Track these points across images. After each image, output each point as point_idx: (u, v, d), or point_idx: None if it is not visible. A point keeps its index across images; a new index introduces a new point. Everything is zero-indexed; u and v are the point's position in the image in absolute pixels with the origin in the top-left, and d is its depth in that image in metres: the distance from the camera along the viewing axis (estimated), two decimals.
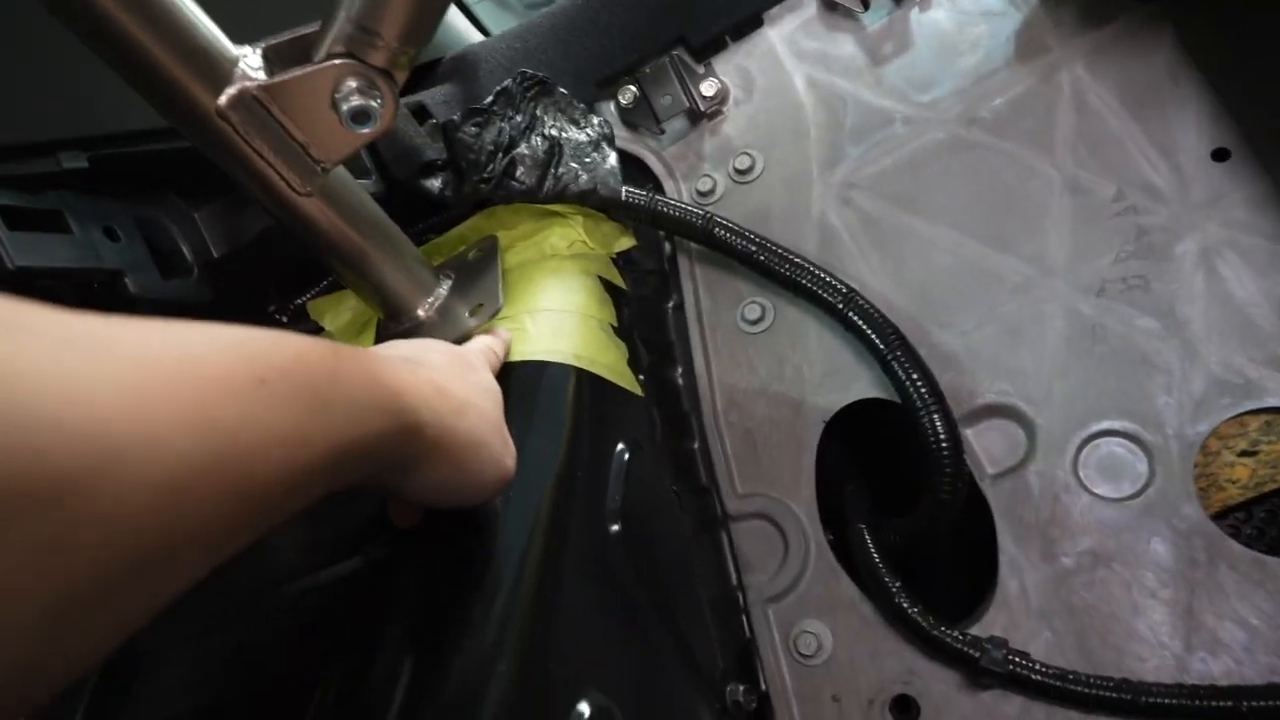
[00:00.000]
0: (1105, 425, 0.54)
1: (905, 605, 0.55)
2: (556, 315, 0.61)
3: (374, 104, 0.47)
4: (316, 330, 0.70)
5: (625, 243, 0.69)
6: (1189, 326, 0.53)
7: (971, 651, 0.53)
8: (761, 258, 0.62)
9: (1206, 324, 0.53)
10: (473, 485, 0.41)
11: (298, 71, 0.46)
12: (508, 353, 0.56)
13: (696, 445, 0.65)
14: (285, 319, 0.70)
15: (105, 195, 0.54)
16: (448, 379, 0.41)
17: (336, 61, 0.46)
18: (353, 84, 0.47)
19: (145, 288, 0.54)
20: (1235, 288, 0.53)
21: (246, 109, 0.46)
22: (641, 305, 0.69)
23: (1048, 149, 0.60)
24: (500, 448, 0.43)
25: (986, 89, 0.63)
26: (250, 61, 0.47)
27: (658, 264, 0.71)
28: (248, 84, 0.46)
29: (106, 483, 0.18)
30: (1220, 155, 0.55)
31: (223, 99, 0.46)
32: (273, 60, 0.48)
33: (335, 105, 0.47)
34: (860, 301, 0.59)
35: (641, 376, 0.64)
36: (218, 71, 0.46)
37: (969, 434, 0.58)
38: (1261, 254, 0.52)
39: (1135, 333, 0.54)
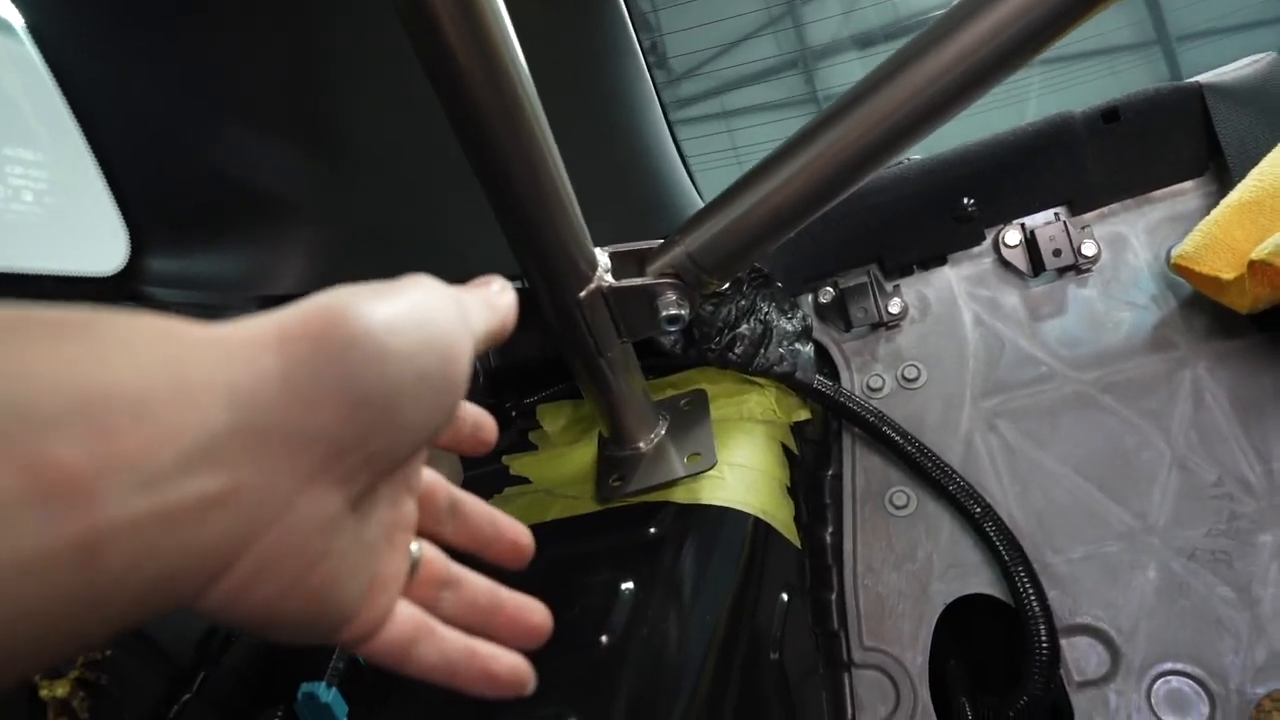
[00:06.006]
0: (1179, 666, 0.68)
1: None
2: (749, 471, 0.76)
3: (684, 313, 0.63)
4: (536, 426, 0.85)
5: (802, 415, 0.84)
6: (1260, 604, 0.67)
7: None
8: (918, 459, 0.77)
9: (1275, 607, 0.67)
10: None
11: (639, 281, 0.63)
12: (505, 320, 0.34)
13: (834, 596, 0.79)
14: (515, 413, 0.86)
15: None
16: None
17: (667, 280, 0.63)
18: (673, 297, 0.63)
19: None
20: None
21: (593, 299, 0.63)
22: (804, 469, 0.85)
23: (1165, 428, 0.75)
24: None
25: (1121, 365, 0.78)
26: (603, 262, 0.64)
27: (821, 436, 0.86)
28: (602, 284, 0.62)
29: None
30: None
31: (583, 294, 0.62)
32: (617, 265, 0.64)
33: (655, 309, 0.63)
34: (996, 517, 0.74)
35: (800, 531, 0.79)
36: (581, 263, 0.62)
37: (1064, 644, 0.71)
38: None
39: (1215, 598, 0.68)
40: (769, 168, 0.59)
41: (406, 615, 0.31)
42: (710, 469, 0.73)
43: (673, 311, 0.63)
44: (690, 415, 0.79)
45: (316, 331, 0.24)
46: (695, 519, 0.73)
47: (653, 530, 0.72)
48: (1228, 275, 0.69)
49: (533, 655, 0.37)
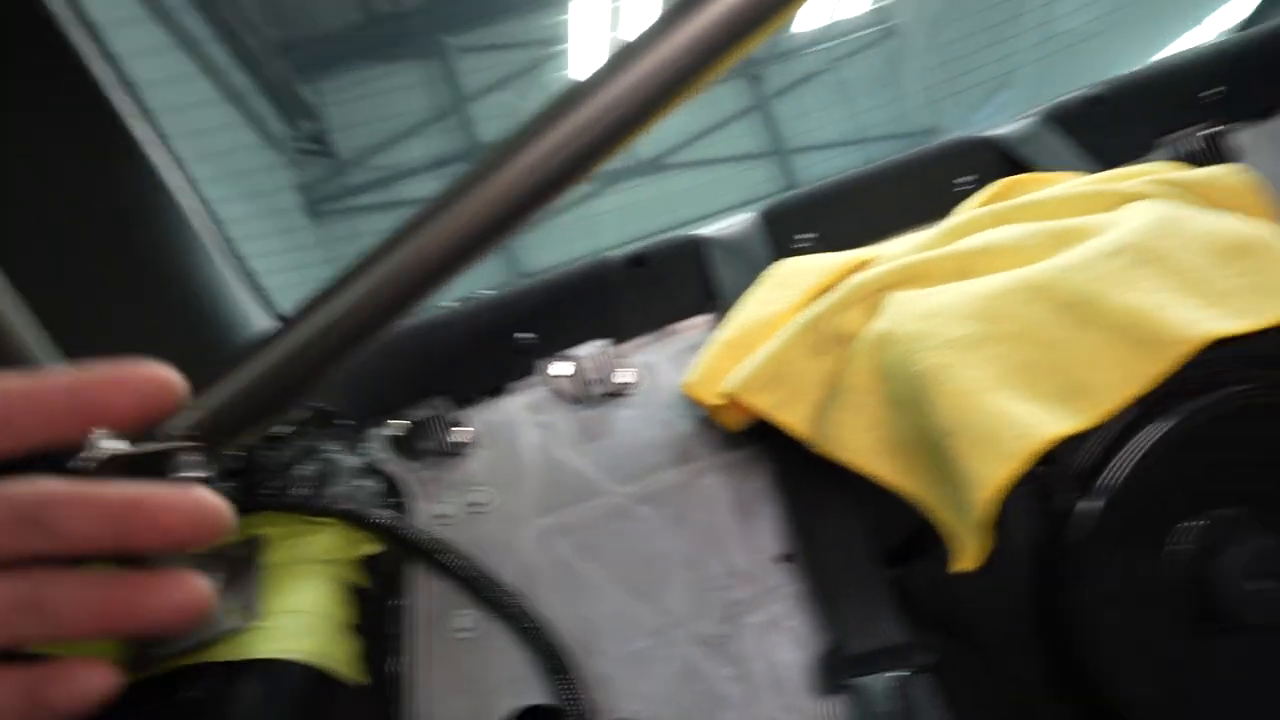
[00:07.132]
0: None
1: None
2: (303, 616, 0.75)
3: (206, 474, 0.62)
4: None
5: (370, 549, 0.86)
6: (752, 678, 0.80)
7: None
8: (477, 584, 0.82)
9: (762, 678, 0.80)
10: None
11: (152, 447, 0.61)
12: None
13: None
14: None
15: None
16: None
17: (185, 443, 0.62)
18: (193, 459, 0.62)
19: None
20: (781, 654, 0.81)
21: (105, 468, 0.60)
22: (372, 601, 0.86)
23: (685, 532, 0.87)
24: None
25: (656, 476, 0.90)
26: None
27: (392, 567, 0.88)
28: (118, 451, 0.59)
29: None
30: (786, 559, 0.85)
31: (92, 464, 0.58)
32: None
33: (176, 469, 0.62)
34: (545, 631, 0.80)
35: (367, 666, 0.80)
36: None
37: None
38: (798, 634, 0.81)
39: (720, 678, 0.80)
40: (285, 328, 0.61)
41: None
42: (256, 620, 0.72)
43: (193, 474, 0.62)
44: (241, 565, 0.77)
45: None
46: (241, 675, 0.70)
47: (191, 694, 0.68)
48: (717, 402, 0.83)
49: None
